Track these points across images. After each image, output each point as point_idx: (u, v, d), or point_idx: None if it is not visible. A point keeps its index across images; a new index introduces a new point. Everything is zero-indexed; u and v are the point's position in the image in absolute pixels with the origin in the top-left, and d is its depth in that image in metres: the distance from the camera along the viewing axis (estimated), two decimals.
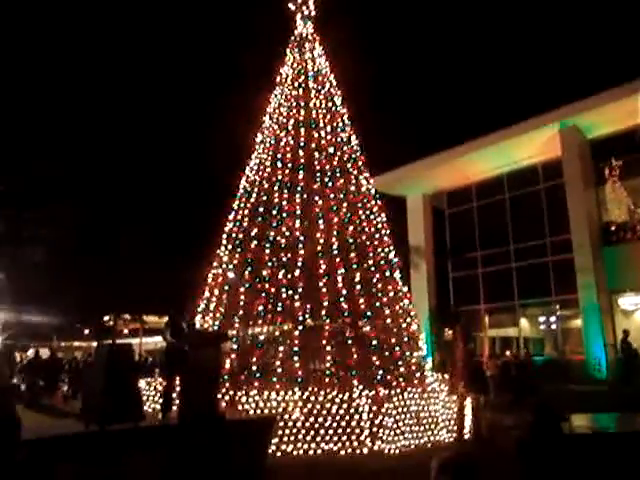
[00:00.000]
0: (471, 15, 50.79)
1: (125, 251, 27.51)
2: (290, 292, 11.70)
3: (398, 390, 10.42)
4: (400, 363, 11.76)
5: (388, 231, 13.61)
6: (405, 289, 13.43)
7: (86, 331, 36.81)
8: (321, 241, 12.24)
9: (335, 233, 12.39)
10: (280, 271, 12.03)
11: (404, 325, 12.59)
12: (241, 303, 12.14)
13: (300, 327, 11.45)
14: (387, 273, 12.85)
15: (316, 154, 13.29)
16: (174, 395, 9.05)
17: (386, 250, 13.21)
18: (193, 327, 10.63)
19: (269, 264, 12.20)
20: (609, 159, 21.91)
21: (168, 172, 37.05)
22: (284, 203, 12.81)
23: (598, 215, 22.32)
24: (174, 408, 8.79)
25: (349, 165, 13.60)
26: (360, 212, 13.15)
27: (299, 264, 11.92)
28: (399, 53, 54.52)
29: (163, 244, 29.86)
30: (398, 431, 9.82)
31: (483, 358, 21.70)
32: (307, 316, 11.59)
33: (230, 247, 13.17)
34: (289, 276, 11.89)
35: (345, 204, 12.92)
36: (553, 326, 24.38)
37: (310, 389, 10.23)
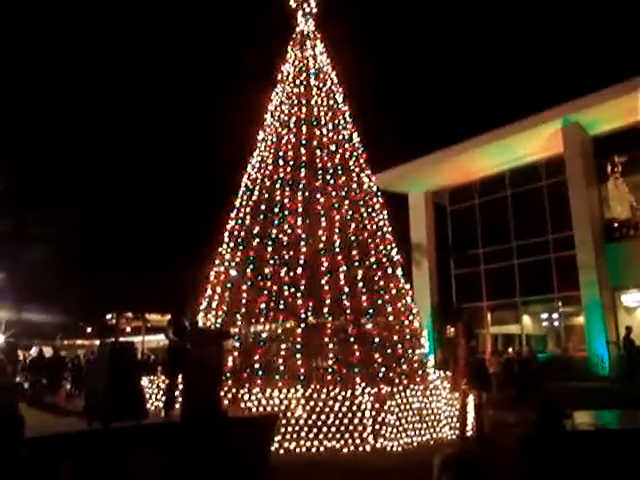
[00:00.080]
0: (474, 12, 50.68)
1: (127, 250, 27.57)
2: (292, 290, 11.70)
3: (400, 387, 10.42)
4: (402, 360, 11.77)
5: (390, 228, 13.59)
6: (407, 286, 13.41)
7: (89, 329, 36.88)
8: (323, 239, 12.23)
9: (337, 231, 12.37)
10: (282, 269, 12.03)
11: (406, 322, 12.58)
12: (243, 301, 12.14)
13: (302, 325, 11.45)
14: (389, 270, 12.83)
15: (318, 152, 13.27)
16: (177, 393, 9.06)
17: (388, 247, 13.20)
18: (195, 325, 10.64)
19: (271, 262, 12.20)
20: (611, 156, 21.87)
21: (170, 171, 37.08)
22: (286, 201, 12.80)
23: (600, 212, 22.29)
24: (177, 406, 8.81)
25: (351, 162, 13.59)
26: (362, 209, 13.13)
27: (301, 262, 11.91)
28: (401, 50, 54.46)
29: (165, 242, 29.93)
30: (400, 428, 9.82)
31: (485, 355, 21.70)
32: (309, 314, 11.59)
33: (232, 245, 13.16)
34: (291, 274, 11.88)
35: (347, 201, 12.90)
36: (555, 323, 24.37)
37: (312, 387, 10.24)
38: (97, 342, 24.46)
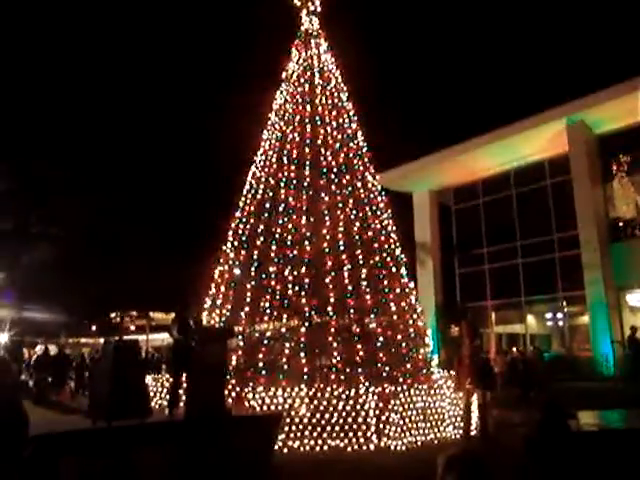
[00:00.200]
0: (478, 11, 50.60)
1: (132, 248, 27.61)
2: (296, 288, 11.70)
3: (404, 387, 10.40)
4: (406, 360, 11.75)
5: (394, 227, 13.58)
6: (411, 285, 13.39)
7: (93, 328, 36.96)
8: (327, 238, 12.22)
9: (341, 230, 12.36)
10: (286, 268, 12.03)
11: (410, 321, 12.57)
12: (247, 300, 12.14)
13: (306, 324, 11.45)
14: (393, 269, 12.82)
15: (322, 150, 13.26)
16: (181, 391, 9.07)
17: (392, 246, 13.18)
18: (200, 324, 10.65)
19: (275, 261, 12.20)
20: (617, 155, 21.81)
21: (174, 170, 37.14)
22: (290, 199, 12.80)
23: (605, 211, 22.22)
24: (181, 404, 8.82)
25: (355, 161, 13.57)
26: (366, 208, 13.12)
27: (305, 261, 11.91)
28: (405, 48, 54.42)
29: (169, 241, 29.95)
30: (404, 427, 9.81)
31: (490, 355, 21.67)
32: (313, 313, 11.58)
33: (236, 244, 13.17)
34: (295, 273, 11.88)
35: (351, 201, 12.89)
36: (560, 323, 24.33)
37: (316, 385, 10.24)
38: (101, 340, 24.51)
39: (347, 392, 9.78)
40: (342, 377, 10.80)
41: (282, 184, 13.06)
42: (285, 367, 10.95)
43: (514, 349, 22.04)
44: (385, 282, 12.41)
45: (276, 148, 13.76)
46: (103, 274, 27.71)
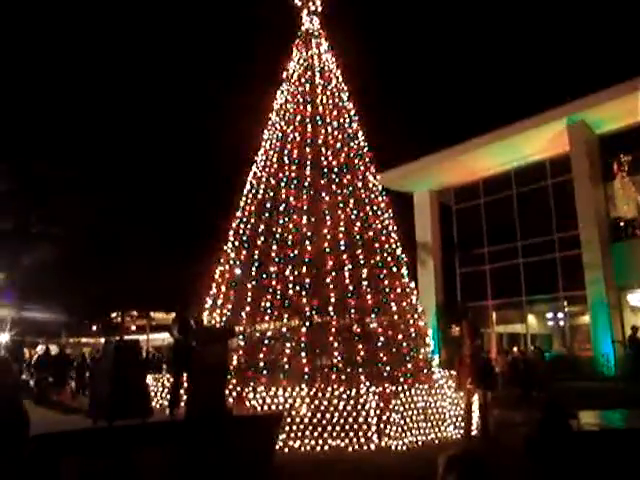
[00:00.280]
0: (479, 10, 50.57)
1: (132, 248, 27.60)
2: (297, 288, 11.69)
3: (405, 386, 10.40)
4: (407, 359, 11.75)
5: (395, 227, 13.58)
6: (412, 285, 13.39)
7: (94, 328, 36.97)
8: (328, 237, 12.21)
9: (342, 229, 12.36)
10: (287, 267, 12.03)
11: (411, 321, 12.56)
12: (248, 299, 12.14)
13: (307, 323, 11.45)
14: (394, 269, 12.81)
15: (323, 150, 13.26)
16: (181, 391, 9.08)
17: (393, 246, 13.18)
18: (200, 323, 10.65)
19: (276, 260, 12.20)
20: (618, 154, 21.80)
21: (175, 169, 37.12)
22: (291, 199, 12.79)
23: (606, 211, 22.23)
24: (182, 404, 8.83)
25: (356, 161, 13.57)
26: (367, 208, 13.11)
27: (306, 260, 11.90)
28: (406, 48, 54.40)
29: (170, 241, 29.94)
30: (405, 427, 9.81)
31: (491, 354, 21.68)
32: (314, 312, 11.58)
33: (237, 243, 13.17)
34: (296, 272, 11.88)
35: (352, 200, 12.88)
36: (561, 322, 24.32)
37: (317, 385, 10.24)
38: (102, 340, 24.53)
39: (348, 392, 9.77)
40: (343, 377, 10.80)
41: (283, 184, 13.06)
42: (286, 367, 10.95)
43: (515, 349, 22.04)
44: (386, 282, 12.40)
45: (277, 148, 13.76)
46: (104, 274, 27.70)
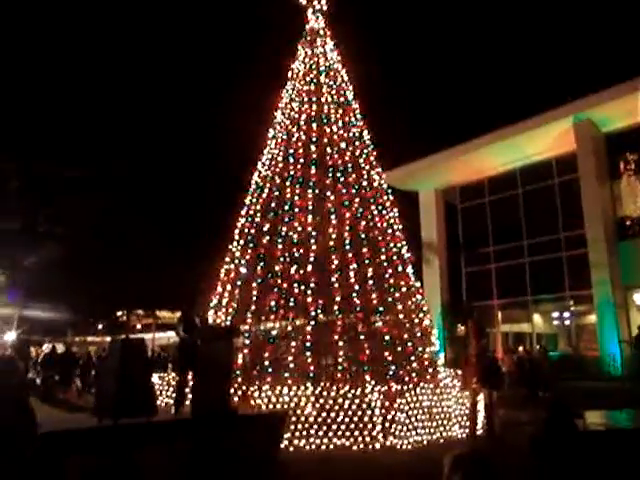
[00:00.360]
0: (485, 9, 50.38)
1: (138, 247, 27.64)
2: (302, 287, 11.70)
3: (410, 385, 10.40)
4: (412, 358, 11.74)
5: (400, 226, 13.56)
6: (417, 284, 13.38)
7: (99, 326, 37.10)
8: (333, 236, 12.21)
9: (347, 228, 12.36)
10: (292, 266, 12.03)
11: (416, 320, 12.55)
12: (253, 298, 12.15)
13: (312, 322, 11.45)
14: (399, 268, 12.81)
15: (328, 149, 13.25)
16: (187, 390, 9.09)
17: (398, 245, 13.16)
18: (206, 322, 10.66)
19: (281, 259, 12.21)
20: (624, 153, 21.71)
21: (181, 168, 37.15)
22: (296, 198, 12.79)
23: (613, 210, 22.13)
24: (187, 403, 8.84)
25: (361, 160, 13.56)
26: (372, 207, 13.10)
27: (311, 259, 11.90)
28: (411, 47, 54.29)
29: (176, 240, 29.97)
30: (410, 426, 9.80)
31: (498, 354, 21.63)
32: (319, 311, 11.58)
33: (242, 242, 13.18)
34: (301, 271, 11.88)
35: (357, 199, 12.88)
36: (567, 322, 24.23)
37: (322, 384, 10.24)
38: (108, 339, 24.60)
39: (353, 391, 9.78)
40: (348, 376, 10.80)
41: (288, 183, 13.06)
42: (291, 366, 10.96)
43: (520, 348, 21.99)
44: (391, 281, 12.40)
45: (282, 147, 13.76)
46: (109, 273, 27.75)
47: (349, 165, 13.21)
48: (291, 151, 13.48)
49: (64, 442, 6.16)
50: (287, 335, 11.71)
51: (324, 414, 9.58)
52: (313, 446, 9.41)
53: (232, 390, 9.30)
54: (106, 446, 6.50)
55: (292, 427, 9.49)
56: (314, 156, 13.10)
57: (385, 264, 12.50)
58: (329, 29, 15.27)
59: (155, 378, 11.78)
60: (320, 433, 9.49)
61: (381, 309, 11.78)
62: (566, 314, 24.10)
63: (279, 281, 12.01)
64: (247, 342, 11.73)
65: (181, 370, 9.36)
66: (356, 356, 11.06)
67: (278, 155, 13.70)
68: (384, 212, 13.31)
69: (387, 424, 9.54)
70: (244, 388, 10.32)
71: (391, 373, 10.91)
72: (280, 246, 12.35)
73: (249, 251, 12.93)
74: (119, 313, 33.88)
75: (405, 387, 10.21)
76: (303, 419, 9.60)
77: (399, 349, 11.60)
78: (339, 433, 9.46)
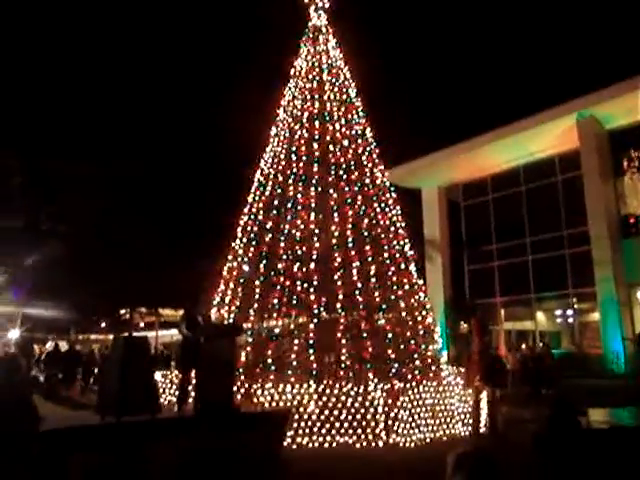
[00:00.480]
0: (489, 6, 50.30)
1: (141, 245, 27.68)
2: (305, 285, 11.70)
3: (413, 383, 10.39)
4: (415, 356, 11.73)
5: (403, 224, 13.54)
6: (420, 282, 13.36)
7: (103, 324, 37.16)
8: (336, 234, 12.21)
9: (350, 226, 12.34)
10: (295, 264, 12.02)
11: (419, 318, 12.53)
12: (256, 296, 12.16)
13: (315, 320, 11.45)
14: (402, 266, 12.79)
15: (330, 147, 13.24)
16: (190, 387, 9.10)
17: (401, 243, 13.15)
18: (208, 320, 10.67)
19: (284, 257, 12.20)
20: (628, 150, 21.61)
21: (183, 166, 37.19)
22: (299, 196, 12.78)
23: (616, 207, 22.06)
24: (190, 400, 8.85)
25: (364, 158, 13.54)
26: (375, 205, 13.08)
27: (314, 257, 11.90)
28: (414, 44, 54.21)
29: (178, 238, 30.00)
30: (413, 424, 9.80)
31: (501, 351, 21.61)
32: (322, 309, 11.58)
33: (245, 240, 13.19)
34: (304, 269, 11.88)
35: (360, 197, 12.86)
36: (570, 320, 24.18)
37: (325, 382, 10.23)
38: (111, 337, 24.65)
39: (356, 389, 9.77)
40: (351, 374, 10.80)
41: (290, 180, 13.05)
42: (294, 364, 10.96)
43: (523, 346, 21.95)
44: (394, 278, 12.39)
45: (284, 144, 13.75)
46: (112, 271, 27.79)
47: (352, 163, 13.20)
48: (293, 149, 13.47)
49: (67, 440, 6.17)
50: (290, 333, 11.71)
51: (327, 412, 9.59)
52: (316, 444, 9.41)
53: (235, 388, 9.30)
54: (109, 444, 6.51)
55: (295, 425, 9.49)
56: (316, 154, 13.08)
57: (388, 262, 12.49)
58: (331, 26, 15.25)
59: (158, 376, 11.80)
60: (323, 431, 9.49)
61: (384, 307, 11.77)
62: (569, 312, 24.05)
63: (282, 279, 12.00)
64: (250, 340, 11.73)
65: (184, 368, 9.36)
66: (359, 354, 11.05)
67: (280, 153, 13.69)
68: (387, 210, 13.30)
69: (390, 422, 9.54)
70: (247, 386, 10.32)
71: (394, 371, 10.90)
72: (283, 244, 12.35)
73: (252, 249, 12.94)
74: (122, 311, 33.91)
75: (408, 385, 10.20)
76: (306, 417, 9.60)
77: (402, 347, 11.59)
78: (342, 431, 9.46)
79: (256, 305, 12.05)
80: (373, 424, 9.48)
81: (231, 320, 12.25)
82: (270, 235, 12.67)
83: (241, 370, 10.99)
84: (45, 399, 15.26)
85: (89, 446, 6.31)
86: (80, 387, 20.07)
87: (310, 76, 14.33)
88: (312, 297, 11.55)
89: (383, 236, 12.80)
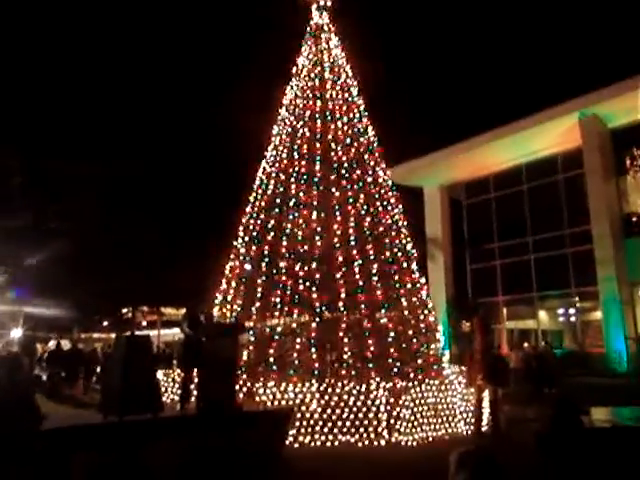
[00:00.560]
0: (491, 5, 50.16)
1: (143, 244, 27.72)
2: (307, 284, 11.70)
3: (415, 382, 10.39)
4: (417, 355, 11.73)
5: (405, 222, 13.54)
6: (422, 280, 13.36)
7: (105, 323, 37.21)
8: (338, 233, 12.21)
9: (352, 225, 12.35)
10: (297, 263, 12.03)
11: (421, 317, 12.54)
12: (258, 295, 12.16)
13: (317, 319, 11.44)
14: (404, 264, 12.79)
15: (332, 145, 13.24)
16: (192, 386, 9.11)
17: (403, 241, 13.15)
18: (210, 319, 10.68)
19: (286, 256, 12.20)
20: (630, 148, 21.54)
21: (185, 165, 37.21)
22: (301, 195, 12.79)
23: (619, 206, 21.99)
24: (192, 399, 8.86)
25: (366, 156, 13.54)
26: (377, 203, 13.08)
27: (316, 256, 11.90)
28: (416, 42, 54.09)
29: (181, 237, 30.03)
30: (415, 423, 9.80)
31: (503, 350, 21.58)
32: (324, 308, 11.58)
33: (247, 239, 13.19)
34: (306, 268, 11.88)
35: (362, 195, 12.86)
36: (572, 318, 24.13)
37: (327, 381, 10.24)
38: (113, 335, 24.70)
39: (358, 387, 9.78)
40: (353, 372, 10.80)
41: (292, 179, 13.05)
42: (296, 362, 10.96)
43: (525, 345, 21.91)
44: (396, 277, 12.39)
45: (286, 143, 13.75)
46: (115, 270, 27.84)
47: (353, 161, 13.20)
48: (295, 147, 13.47)
49: (70, 438, 6.17)
50: (292, 332, 11.71)
51: (329, 411, 9.59)
52: (318, 443, 9.42)
53: (237, 387, 9.31)
54: (112, 442, 6.52)
55: (297, 424, 9.50)
56: (318, 152, 13.09)
57: (390, 260, 12.49)
58: (333, 25, 15.24)
59: (160, 375, 11.81)
60: (325, 430, 9.50)
61: (386, 305, 11.77)
62: (572, 310, 24.00)
63: (284, 277, 12.01)
64: (252, 339, 11.74)
65: (186, 367, 9.36)
66: (361, 352, 11.06)
67: (282, 151, 13.69)
68: (389, 208, 13.29)
69: (392, 421, 9.55)
70: (249, 385, 10.33)
71: (396, 370, 10.91)
72: (285, 242, 12.35)
73: (254, 248, 12.95)
74: (124, 310, 34.01)
75: (410, 384, 10.20)
76: (308, 416, 9.61)
77: (404, 345, 11.60)
78: (344, 430, 9.47)
79: (258, 304, 12.06)
80: (375, 423, 9.49)
81: (233, 319, 12.26)
82: (272, 234, 12.68)
83: (243, 369, 11.00)
84: (48, 398, 15.28)
85: (92, 445, 6.32)
86: (82, 386, 20.09)
87: (312, 75, 14.34)
88: (314, 296, 11.55)
89: (385, 235, 12.80)
